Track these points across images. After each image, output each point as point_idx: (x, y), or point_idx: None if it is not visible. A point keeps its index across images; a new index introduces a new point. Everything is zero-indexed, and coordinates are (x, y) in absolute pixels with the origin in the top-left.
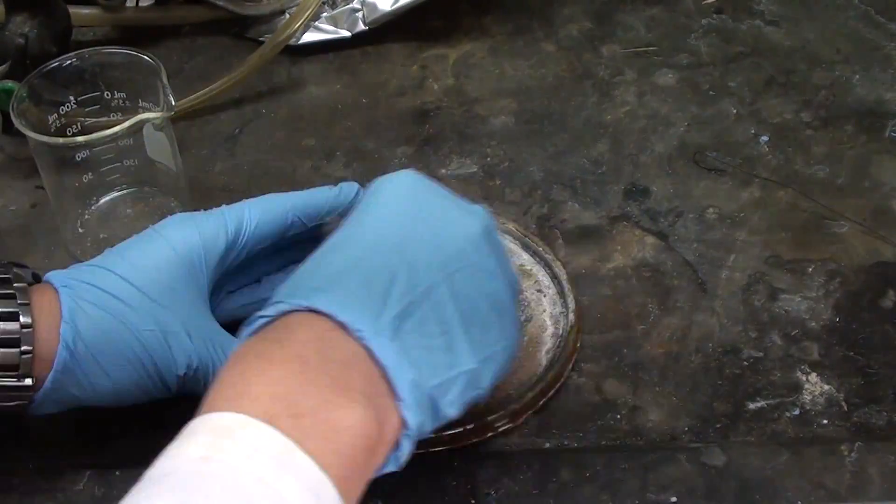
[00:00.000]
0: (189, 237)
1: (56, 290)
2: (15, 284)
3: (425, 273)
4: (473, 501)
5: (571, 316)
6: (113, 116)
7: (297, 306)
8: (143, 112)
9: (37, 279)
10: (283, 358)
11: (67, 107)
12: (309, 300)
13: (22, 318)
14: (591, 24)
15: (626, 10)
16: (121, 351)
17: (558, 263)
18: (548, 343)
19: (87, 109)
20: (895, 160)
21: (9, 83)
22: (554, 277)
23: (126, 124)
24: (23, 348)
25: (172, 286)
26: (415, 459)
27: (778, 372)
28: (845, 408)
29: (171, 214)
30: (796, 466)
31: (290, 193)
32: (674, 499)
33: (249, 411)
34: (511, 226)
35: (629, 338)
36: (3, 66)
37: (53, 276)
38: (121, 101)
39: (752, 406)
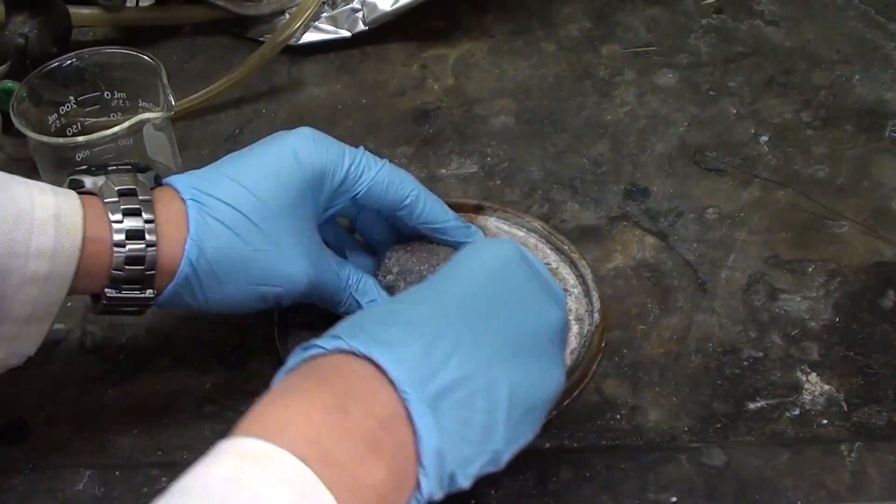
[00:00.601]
0: (318, 158)
1: (183, 202)
2: (140, 197)
3: (490, 356)
4: (473, 501)
5: (596, 315)
6: (113, 116)
7: (355, 349)
8: (143, 112)
9: (157, 181)
10: (328, 403)
11: (67, 107)
12: (368, 349)
13: (147, 237)
14: (591, 24)
15: (626, 10)
16: (241, 269)
17: (584, 262)
18: (573, 343)
19: (87, 109)
20: (895, 160)
21: (9, 83)
22: (579, 276)
23: (126, 124)
24: (146, 265)
25: (294, 204)
26: None
27: (778, 372)
28: (845, 408)
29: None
30: (796, 466)
31: (425, 188)
32: (674, 499)
33: (284, 446)
34: (537, 224)
35: (629, 338)
36: (3, 66)
37: (179, 183)
38: (121, 101)
39: (752, 406)
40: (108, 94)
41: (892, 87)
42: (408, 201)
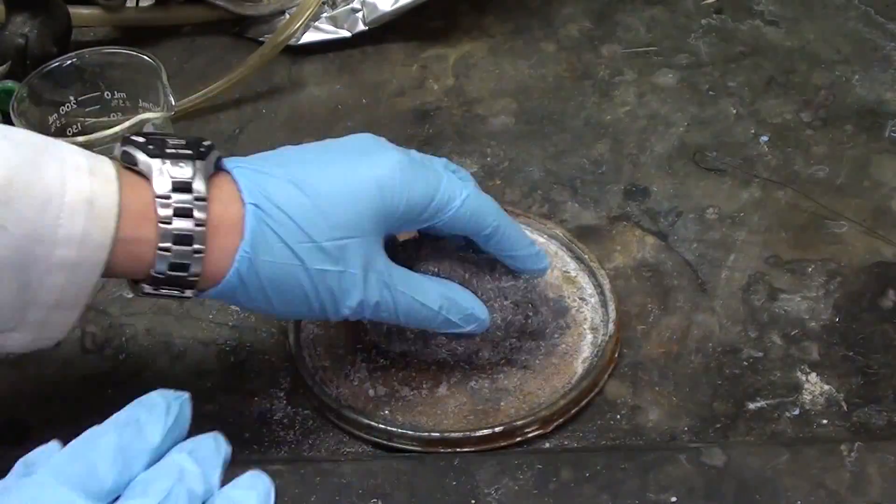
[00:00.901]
0: (402, 195)
1: (242, 205)
2: (194, 195)
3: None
4: (473, 501)
5: (612, 326)
6: (113, 116)
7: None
8: (143, 112)
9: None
10: None
11: (67, 107)
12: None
13: (195, 245)
14: (591, 24)
15: (626, 10)
16: (293, 288)
17: (602, 272)
18: (585, 352)
19: (87, 109)
20: (895, 160)
21: (9, 83)
22: (598, 286)
23: (126, 124)
24: (191, 271)
25: (365, 231)
26: (415, 459)
27: (778, 372)
28: (845, 408)
29: None
30: (796, 466)
31: (505, 215)
32: (674, 499)
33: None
34: (558, 231)
35: (629, 338)
36: (3, 66)
37: (242, 178)
38: (121, 101)
39: (752, 406)
40: (108, 94)
41: (892, 87)
42: (487, 231)
